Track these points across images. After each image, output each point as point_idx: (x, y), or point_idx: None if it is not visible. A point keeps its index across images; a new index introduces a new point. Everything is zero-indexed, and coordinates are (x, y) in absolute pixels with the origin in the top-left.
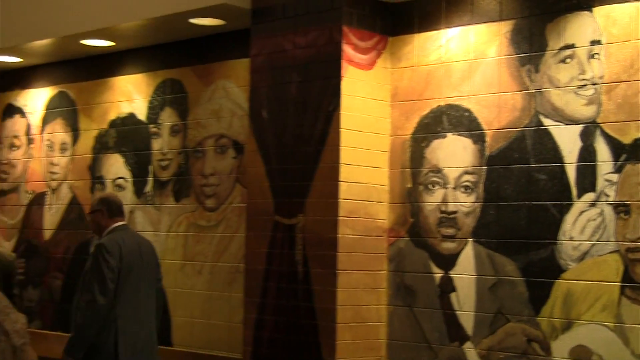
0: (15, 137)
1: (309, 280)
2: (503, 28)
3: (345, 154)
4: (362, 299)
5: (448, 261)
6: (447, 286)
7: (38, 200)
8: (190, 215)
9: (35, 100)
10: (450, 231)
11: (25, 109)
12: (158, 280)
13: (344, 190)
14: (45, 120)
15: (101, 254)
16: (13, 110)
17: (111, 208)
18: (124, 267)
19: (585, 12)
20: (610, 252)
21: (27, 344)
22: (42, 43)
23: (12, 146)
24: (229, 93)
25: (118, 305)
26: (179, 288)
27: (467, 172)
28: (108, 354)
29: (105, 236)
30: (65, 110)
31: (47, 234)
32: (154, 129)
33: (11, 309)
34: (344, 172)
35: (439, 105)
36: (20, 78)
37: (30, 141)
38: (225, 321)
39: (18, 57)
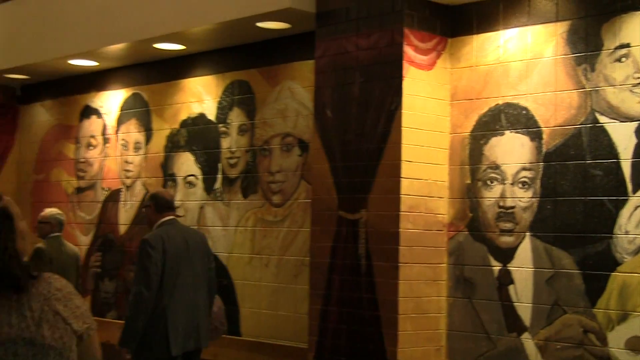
0: (92, 137)
1: (371, 273)
2: (559, 28)
3: (407, 151)
4: (422, 291)
5: (506, 254)
6: (506, 279)
7: (113, 197)
8: (258, 210)
9: (110, 101)
10: (508, 225)
11: (101, 110)
12: (209, 270)
13: (405, 186)
14: (120, 121)
15: (144, 249)
16: (90, 112)
17: (159, 203)
18: (169, 259)
19: None
20: None
21: (92, 329)
22: (117, 47)
23: (89, 145)
24: (294, 93)
25: (165, 296)
26: (247, 280)
27: (524, 169)
28: (159, 343)
29: (153, 231)
30: (139, 111)
31: (122, 229)
32: (223, 129)
33: (75, 295)
34: (405, 169)
35: (497, 104)
36: (96, 81)
37: (106, 141)
38: (291, 312)
39: (95, 60)
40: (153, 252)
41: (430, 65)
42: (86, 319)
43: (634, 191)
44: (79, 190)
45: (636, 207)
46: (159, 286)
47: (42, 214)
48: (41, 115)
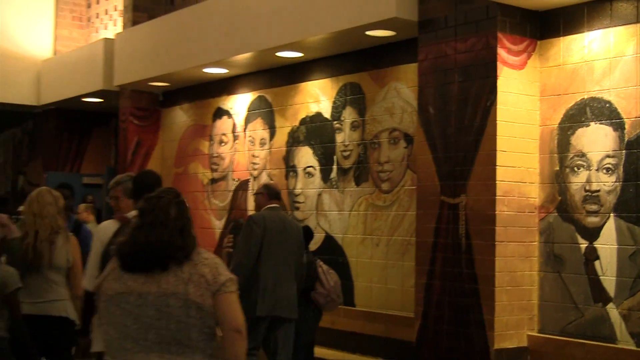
0: (224, 134)
1: (471, 251)
2: (639, 29)
3: (501, 142)
4: (516, 266)
5: (592, 233)
6: (592, 255)
7: (242, 186)
8: (369, 196)
9: (239, 104)
10: (593, 207)
11: (231, 111)
12: (300, 256)
13: (501, 173)
14: (248, 120)
15: (249, 224)
16: (221, 113)
17: (270, 192)
18: (267, 236)
19: None
20: None
21: (228, 290)
22: (244, 56)
23: (221, 142)
24: (400, 93)
25: (260, 266)
26: (360, 258)
27: (608, 156)
28: (249, 305)
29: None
30: (263, 111)
31: (250, 214)
32: (337, 125)
33: (219, 264)
34: (500, 158)
35: (583, 99)
36: (227, 86)
37: (235, 138)
38: (399, 286)
39: (225, 68)
40: (255, 227)
41: (522, 65)
42: (225, 282)
43: None
44: (213, 181)
45: None
46: (256, 257)
47: None
48: (180, 117)
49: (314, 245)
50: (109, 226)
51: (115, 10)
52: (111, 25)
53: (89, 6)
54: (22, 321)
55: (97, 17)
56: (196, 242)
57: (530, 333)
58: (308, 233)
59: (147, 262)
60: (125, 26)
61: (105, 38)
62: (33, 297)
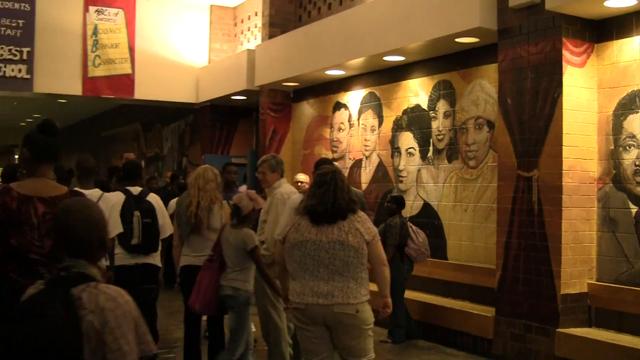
0: (342, 123)
1: (542, 215)
2: None
3: (566, 127)
4: (579, 227)
5: None
6: None
7: (357, 164)
8: (459, 171)
9: (354, 98)
10: None
11: (348, 105)
12: None
13: (566, 151)
14: (360, 111)
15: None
16: (340, 106)
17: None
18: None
19: None
20: None
21: (376, 239)
22: (358, 60)
23: (340, 129)
24: (483, 87)
25: None
26: (452, 221)
27: None
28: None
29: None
30: (373, 104)
31: (364, 187)
32: (433, 114)
33: (369, 221)
34: (566, 139)
35: (633, 90)
36: (344, 84)
37: (350, 126)
38: (483, 243)
39: (343, 70)
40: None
41: (582, 64)
42: (373, 234)
43: None
44: (333, 160)
45: None
46: None
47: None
48: (307, 110)
49: (414, 211)
50: (298, 198)
51: (256, 27)
52: (252, 39)
53: (235, 25)
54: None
55: (242, 33)
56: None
57: (589, 281)
58: (401, 201)
59: (332, 217)
60: (263, 39)
61: (248, 49)
62: (196, 251)
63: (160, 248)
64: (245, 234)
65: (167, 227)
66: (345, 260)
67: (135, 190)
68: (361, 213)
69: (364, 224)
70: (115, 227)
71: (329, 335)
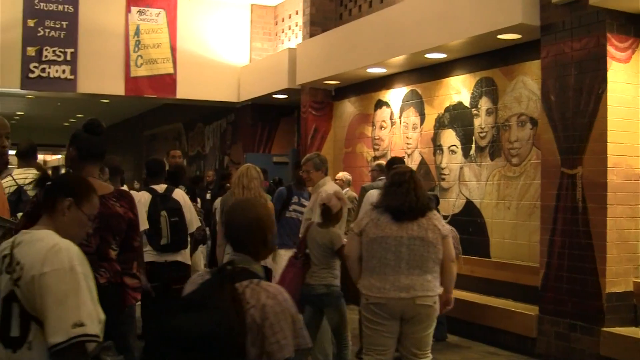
0: (383, 121)
1: (586, 212)
2: None
3: (611, 123)
4: (624, 225)
5: None
6: None
7: (398, 159)
8: (501, 169)
9: (395, 96)
10: None
11: (389, 102)
12: None
13: (611, 148)
14: (402, 109)
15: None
16: (381, 104)
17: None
18: None
19: None
20: None
21: (448, 236)
22: (400, 58)
23: (381, 127)
24: (526, 84)
25: None
26: (494, 219)
27: None
28: None
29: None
30: (415, 102)
31: None
32: (475, 112)
33: (442, 220)
34: (610, 136)
35: None
36: (385, 82)
37: (392, 123)
38: (527, 241)
39: (384, 68)
40: None
41: (627, 59)
42: (447, 231)
43: None
44: (375, 158)
45: None
46: None
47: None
48: (348, 108)
49: (457, 209)
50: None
51: (297, 26)
52: (293, 37)
53: (276, 24)
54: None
55: (283, 32)
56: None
57: (635, 280)
58: (435, 200)
59: (413, 215)
60: (304, 38)
61: (289, 48)
62: None
63: (189, 244)
64: (333, 234)
65: (194, 221)
66: (423, 256)
67: (161, 188)
68: (436, 213)
69: (439, 221)
70: (142, 223)
71: (398, 330)
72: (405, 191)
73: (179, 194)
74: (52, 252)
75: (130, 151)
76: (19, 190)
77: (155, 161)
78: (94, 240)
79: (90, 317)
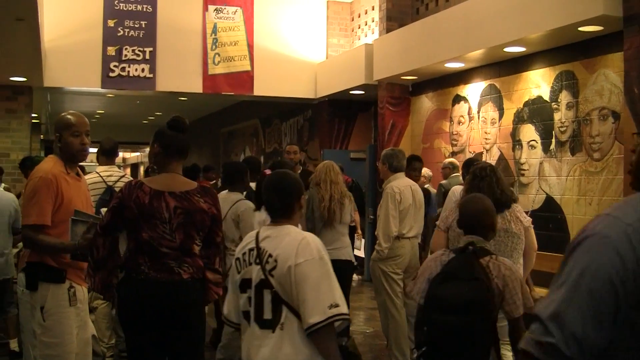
0: (461, 116)
1: None
2: None
3: None
4: None
5: None
6: None
7: (477, 157)
8: (582, 164)
9: (473, 91)
10: None
11: (467, 97)
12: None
13: None
14: (480, 104)
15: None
16: (459, 99)
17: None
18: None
19: None
20: None
21: (529, 228)
22: (478, 52)
23: (459, 123)
24: (608, 77)
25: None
26: (575, 215)
27: None
28: None
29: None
30: (493, 97)
31: None
32: (555, 106)
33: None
34: None
35: None
36: (463, 77)
37: (470, 119)
38: None
39: (462, 63)
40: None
41: None
42: (529, 222)
43: None
44: (452, 154)
45: None
46: None
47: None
48: (425, 103)
49: (537, 205)
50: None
51: (373, 21)
52: (370, 33)
53: (352, 19)
54: None
55: (359, 27)
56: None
57: None
58: None
59: (499, 207)
60: (381, 33)
61: (366, 43)
62: (328, 245)
63: None
64: None
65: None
66: (509, 247)
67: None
68: (517, 204)
69: (521, 213)
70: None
71: None
72: (488, 185)
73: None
74: (302, 244)
75: (207, 148)
76: (110, 190)
77: (231, 164)
78: (178, 236)
79: (341, 298)
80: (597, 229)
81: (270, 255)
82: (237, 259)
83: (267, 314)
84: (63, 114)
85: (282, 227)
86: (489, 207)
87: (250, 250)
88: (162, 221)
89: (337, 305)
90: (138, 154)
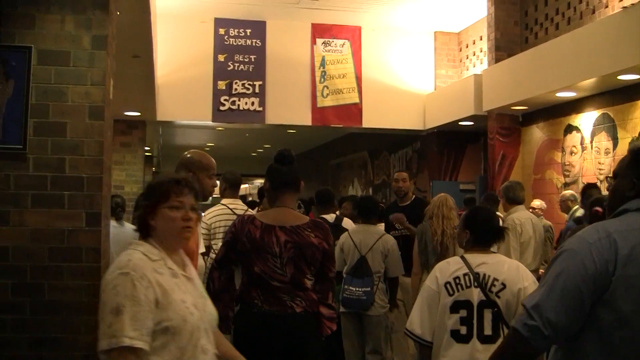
0: (573, 146)
1: None
2: None
3: None
4: None
5: None
6: None
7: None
8: None
9: (586, 120)
10: None
11: (580, 127)
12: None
13: None
14: (593, 134)
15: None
16: (571, 129)
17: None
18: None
19: None
20: None
21: None
22: (590, 81)
23: (572, 153)
24: None
25: None
26: None
27: None
28: None
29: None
30: (607, 126)
31: None
32: None
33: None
34: None
35: None
36: (575, 106)
37: (583, 149)
38: None
39: (574, 92)
40: None
41: None
42: None
43: None
44: (565, 185)
45: None
46: None
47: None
48: (536, 134)
49: None
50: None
51: (481, 51)
52: (478, 63)
53: (460, 50)
54: None
55: (467, 58)
56: None
57: None
58: None
59: None
60: (489, 63)
61: (475, 74)
62: None
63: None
64: None
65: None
66: None
67: (330, 217)
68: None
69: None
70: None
71: None
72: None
73: (348, 223)
74: (520, 269)
75: (316, 180)
76: None
77: (326, 191)
78: (288, 270)
79: None
80: (570, 245)
81: (496, 279)
82: (448, 282)
83: (488, 331)
84: (190, 153)
85: (495, 254)
86: None
87: (464, 275)
88: (273, 255)
89: None
90: (247, 185)
